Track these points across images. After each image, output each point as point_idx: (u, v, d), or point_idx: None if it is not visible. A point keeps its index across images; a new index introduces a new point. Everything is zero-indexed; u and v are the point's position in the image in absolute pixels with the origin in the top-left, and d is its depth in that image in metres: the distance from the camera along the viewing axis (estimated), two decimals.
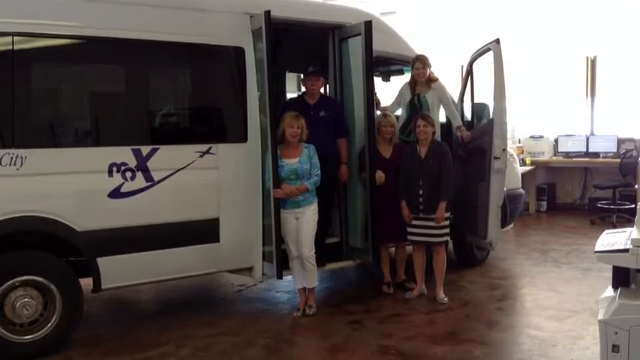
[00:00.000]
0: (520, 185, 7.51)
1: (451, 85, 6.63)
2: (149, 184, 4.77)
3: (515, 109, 8.35)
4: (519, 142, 10.35)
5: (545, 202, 10.35)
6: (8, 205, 4.26)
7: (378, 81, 6.95)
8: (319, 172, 5.19)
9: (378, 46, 5.62)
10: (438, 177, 5.50)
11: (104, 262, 4.61)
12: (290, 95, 7.56)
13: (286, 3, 5.51)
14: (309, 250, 5.21)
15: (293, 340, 4.86)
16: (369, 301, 5.65)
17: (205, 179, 5.03)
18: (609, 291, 3.55)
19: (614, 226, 8.15)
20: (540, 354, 4.41)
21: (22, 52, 4.34)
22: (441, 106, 6.16)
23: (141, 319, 5.43)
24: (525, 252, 7.55)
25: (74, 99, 4.85)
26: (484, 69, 6.34)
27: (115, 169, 4.64)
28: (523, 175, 8.13)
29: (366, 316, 5.24)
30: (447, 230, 5.64)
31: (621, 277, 3.42)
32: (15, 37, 4.27)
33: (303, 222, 5.16)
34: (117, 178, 4.64)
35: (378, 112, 5.94)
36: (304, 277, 5.28)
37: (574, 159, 10.05)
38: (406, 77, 6.46)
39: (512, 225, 7.68)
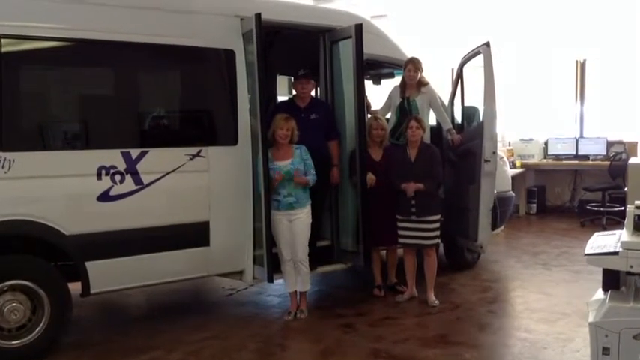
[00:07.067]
0: (510, 188, 7.53)
1: (441, 89, 6.63)
2: (138, 187, 4.75)
3: (505, 112, 8.38)
4: (509, 145, 10.36)
5: (535, 205, 10.36)
6: None
7: (368, 84, 6.95)
8: (314, 171, 5.20)
9: (369, 49, 5.63)
10: (428, 179, 5.49)
11: (93, 266, 4.57)
12: (281, 98, 7.55)
13: (277, 6, 5.51)
14: (303, 253, 5.20)
15: (284, 343, 4.85)
16: (360, 304, 5.64)
17: (195, 182, 5.01)
18: (599, 293, 3.56)
19: (604, 229, 8.17)
20: (531, 356, 4.41)
21: (9, 55, 4.31)
22: (431, 109, 6.17)
23: (131, 324, 5.39)
24: (516, 254, 7.57)
25: (62, 102, 4.82)
26: (474, 72, 6.36)
27: (104, 172, 4.61)
28: (513, 177, 8.16)
29: (358, 319, 5.23)
30: (438, 233, 5.65)
31: (611, 280, 3.44)
32: (2, 40, 4.24)
33: (298, 225, 5.15)
34: (106, 182, 4.61)
35: (369, 115, 5.94)
36: (297, 280, 5.27)
37: (564, 162, 10.09)
38: (397, 80, 6.46)
39: (502, 228, 7.68)
